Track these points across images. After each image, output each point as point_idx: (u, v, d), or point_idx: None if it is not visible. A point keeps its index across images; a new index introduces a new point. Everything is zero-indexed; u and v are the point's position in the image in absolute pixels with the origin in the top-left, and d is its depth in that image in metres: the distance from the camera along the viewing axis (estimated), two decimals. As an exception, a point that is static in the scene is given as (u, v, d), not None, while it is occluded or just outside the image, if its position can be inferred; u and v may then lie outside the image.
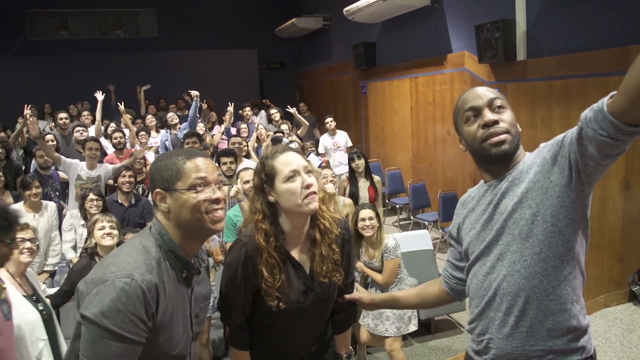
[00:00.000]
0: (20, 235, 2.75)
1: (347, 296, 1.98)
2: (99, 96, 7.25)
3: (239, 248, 1.77)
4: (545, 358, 1.50)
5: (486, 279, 1.57)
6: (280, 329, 1.83)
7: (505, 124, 1.53)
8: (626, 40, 4.35)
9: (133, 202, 4.78)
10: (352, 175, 5.43)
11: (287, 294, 1.76)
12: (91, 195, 4.26)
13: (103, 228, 3.23)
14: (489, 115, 1.53)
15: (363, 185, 5.34)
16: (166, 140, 7.27)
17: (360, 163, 5.34)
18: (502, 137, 1.51)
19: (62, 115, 7.31)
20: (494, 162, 1.55)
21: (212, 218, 1.51)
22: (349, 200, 5.25)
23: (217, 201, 1.52)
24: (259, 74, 12.97)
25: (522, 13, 5.54)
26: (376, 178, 5.52)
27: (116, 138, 6.26)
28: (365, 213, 3.65)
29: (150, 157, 6.61)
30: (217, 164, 4.95)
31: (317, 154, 6.33)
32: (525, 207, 1.47)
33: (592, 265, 4.88)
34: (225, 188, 1.72)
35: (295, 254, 1.81)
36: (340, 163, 7.30)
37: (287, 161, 1.74)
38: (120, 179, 4.74)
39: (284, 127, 7.28)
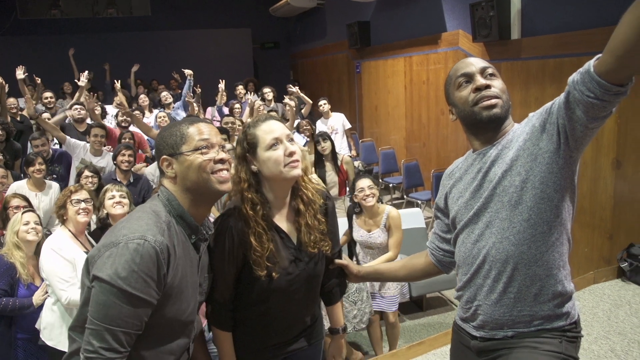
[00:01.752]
0: (75, 196, 3.05)
1: (337, 261, 2.00)
2: (82, 80, 6.78)
3: (225, 220, 1.76)
4: (531, 324, 1.53)
5: (474, 247, 1.59)
6: (270, 306, 1.81)
7: (497, 89, 1.56)
8: (619, 18, 4.34)
9: (132, 180, 4.78)
10: (319, 159, 5.23)
11: (277, 262, 1.76)
12: (86, 172, 4.28)
13: (113, 197, 3.32)
14: (481, 80, 1.56)
15: (330, 169, 5.19)
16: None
17: (326, 146, 5.16)
18: (494, 101, 1.54)
19: (47, 94, 7.25)
20: (485, 126, 1.57)
21: (218, 178, 1.55)
22: (347, 158, 5.35)
23: (222, 161, 1.56)
24: (252, 54, 12.88)
25: (516, -9, 5.52)
26: (346, 159, 5.39)
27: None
28: (364, 182, 3.63)
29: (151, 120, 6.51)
30: None
31: (305, 133, 6.22)
32: (514, 174, 1.50)
33: (582, 243, 4.94)
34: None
35: (281, 224, 1.82)
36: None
37: (269, 129, 1.74)
38: (120, 157, 4.72)
39: (292, 102, 7.09)
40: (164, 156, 1.55)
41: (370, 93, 9.18)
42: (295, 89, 7.61)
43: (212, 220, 1.79)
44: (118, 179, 4.72)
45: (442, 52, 6.98)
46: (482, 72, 1.58)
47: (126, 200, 3.36)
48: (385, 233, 3.66)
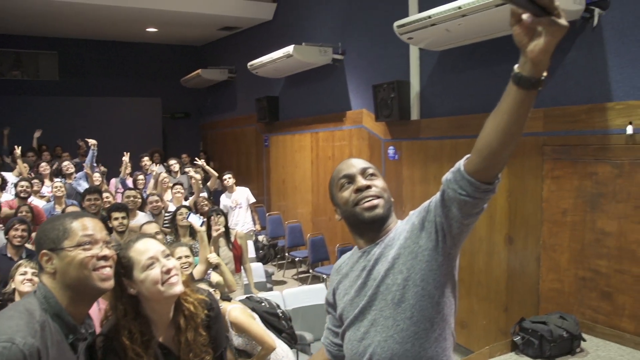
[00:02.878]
0: None
1: None
2: None
3: (106, 342, 1.66)
4: None
5: (360, 345, 1.57)
6: None
7: (378, 189, 1.60)
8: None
9: (24, 256, 4.44)
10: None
11: None
12: None
13: (25, 273, 3.08)
14: (362, 181, 1.60)
15: (223, 244, 5.01)
16: None
17: (220, 221, 4.97)
18: (375, 201, 1.58)
19: None
20: (368, 226, 1.60)
21: (100, 275, 1.49)
22: (241, 232, 5.22)
23: (104, 258, 1.51)
24: (162, 123, 12.73)
25: (416, 75, 5.88)
26: (239, 233, 5.31)
27: (22, 187, 5.92)
28: (179, 252, 3.51)
29: (39, 203, 6.22)
30: (108, 219, 4.74)
31: (202, 210, 6.08)
32: (396, 273, 1.51)
33: (480, 315, 5.09)
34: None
35: (165, 339, 1.75)
36: (238, 222, 7.06)
37: (144, 249, 1.70)
38: (12, 232, 4.40)
39: (197, 175, 6.94)
40: (44, 251, 1.48)
41: (278, 167, 9.26)
42: (201, 162, 7.56)
43: None
44: (9, 255, 4.39)
45: (346, 129, 7.22)
46: (363, 172, 1.63)
47: (37, 279, 3.10)
48: (237, 337, 3.35)
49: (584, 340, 3.81)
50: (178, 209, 5.09)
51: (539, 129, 4.44)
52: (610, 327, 3.98)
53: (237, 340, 3.36)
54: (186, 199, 6.71)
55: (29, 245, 4.57)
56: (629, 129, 3.85)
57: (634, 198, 3.85)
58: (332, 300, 1.77)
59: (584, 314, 4.17)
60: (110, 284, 1.54)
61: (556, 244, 4.42)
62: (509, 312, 4.85)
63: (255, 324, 3.39)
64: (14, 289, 3.12)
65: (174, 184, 6.72)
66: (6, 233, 4.48)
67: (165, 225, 5.67)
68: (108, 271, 1.52)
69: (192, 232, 4.99)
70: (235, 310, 3.34)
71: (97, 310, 2.58)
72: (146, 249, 1.69)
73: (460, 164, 1.35)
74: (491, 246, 4.96)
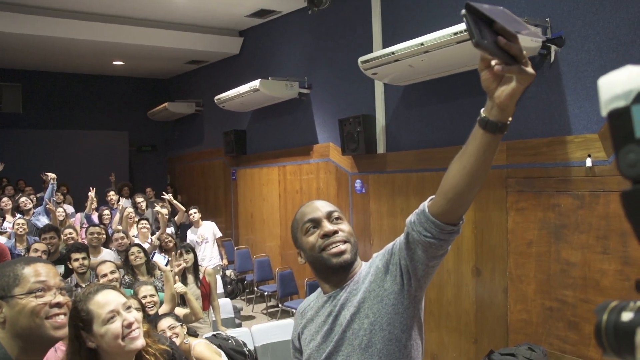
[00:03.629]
0: None
1: None
2: None
3: None
4: None
5: None
6: None
7: (344, 233, 1.58)
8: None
9: None
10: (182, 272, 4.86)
11: None
12: None
13: None
14: (328, 226, 1.57)
15: (192, 281, 4.93)
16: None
17: (188, 258, 4.91)
18: (343, 247, 1.56)
19: None
20: (335, 271, 1.58)
21: (53, 324, 1.43)
22: (210, 270, 5.17)
23: (58, 305, 1.44)
24: (129, 156, 12.57)
25: (381, 110, 5.97)
26: (208, 270, 5.24)
27: None
28: (164, 324, 3.35)
29: (3, 241, 6.02)
30: (68, 260, 4.60)
31: (167, 247, 5.96)
32: (362, 317, 1.50)
33: (450, 347, 5.08)
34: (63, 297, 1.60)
35: None
36: (205, 257, 6.93)
37: (104, 302, 1.63)
38: None
39: (164, 210, 6.85)
40: None
41: (246, 200, 9.21)
42: (168, 196, 7.45)
43: None
44: None
45: (314, 162, 7.24)
46: (329, 216, 1.60)
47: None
48: None
49: (552, 371, 3.84)
50: (128, 249, 4.96)
51: (502, 161, 4.53)
52: (578, 357, 4.02)
53: None
54: (153, 233, 6.59)
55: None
56: (588, 162, 3.96)
57: (595, 229, 3.94)
58: (298, 345, 1.74)
59: (552, 344, 4.21)
60: (64, 332, 1.48)
61: (523, 274, 4.47)
62: (478, 343, 4.86)
63: None
64: None
65: (140, 219, 6.60)
66: None
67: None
68: (62, 319, 1.46)
69: (149, 269, 4.90)
70: (200, 346, 3.36)
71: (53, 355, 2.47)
72: (106, 302, 1.62)
73: (425, 205, 1.36)
74: (459, 278, 4.99)
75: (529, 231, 4.44)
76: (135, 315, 1.66)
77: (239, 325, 5.63)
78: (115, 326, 1.59)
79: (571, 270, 4.12)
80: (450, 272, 5.01)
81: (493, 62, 1.11)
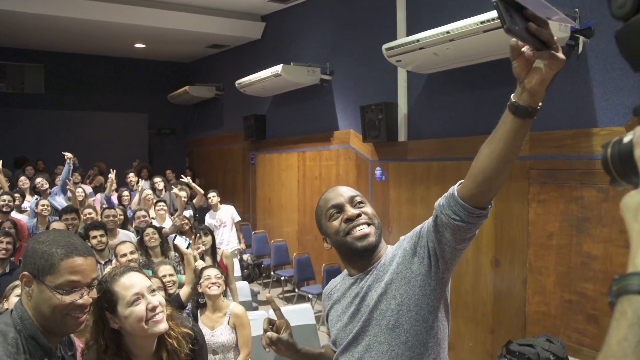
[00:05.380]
0: None
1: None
2: None
3: None
4: None
5: None
6: None
7: (367, 216, 1.61)
8: (493, 129, 4.78)
9: (7, 270, 4.38)
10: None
11: None
12: None
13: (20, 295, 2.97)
14: (351, 210, 1.60)
15: (209, 264, 4.86)
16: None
17: (207, 240, 5.01)
18: (367, 230, 1.58)
19: None
20: (360, 255, 1.60)
21: (72, 321, 1.45)
22: (227, 252, 5.22)
23: (81, 307, 1.45)
24: (148, 139, 12.66)
25: (403, 98, 5.94)
26: (226, 253, 5.29)
27: (4, 201, 5.82)
28: (211, 271, 3.59)
29: (22, 218, 6.13)
30: (86, 238, 4.67)
31: (184, 229, 6.01)
32: (390, 298, 1.52)
33: (467, 337, 5.09)
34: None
35: None
36: (222, 241, 6.96)
37: (129, 284, 1.66)
38: None
39: (183, 193, 6.93)
40: (26, 272, 1.43)
41: (265, 185, 9.25)
42: (187, 179, 7.51)
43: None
44: None
45: (334, 149, 7.25)
46: (351, 201, 1.63)
47: None
48: (230, 331, 3.51)
49: (571, 363, 3.84)
50: (144, 230, 5.03)
51: (525, 152, 4.49)
52: (597, 351, 3.99)
53: (222, 335, 3.49)
54: (171, 215, 6.65)
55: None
56: (614, 155, 3.91)
57: (619, 222, 3.91)
58: (327, 326, 1.77)
59: (570, 337, 4.20)
60: (80, 329, 1.51)
61: (542, 266, 4.46)
62: (495, 334, 4.86)
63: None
64: (7, 309, 3.04)
65: (157, 201, 6.66)
66: None
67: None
68: (81, 319, 1.47)
69: (163, 251, 4.96)
70: (240, 307, 3.64)
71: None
72: (132, 284, 1.65)
73: (454, 189, 1.38)
74: (478, 268, 4.99)
75: (550, 223, 4.41)
76: (159, 299, 1.68)
77: (256, 309, 5.68)
78: (140, 309, 1.62)
79: (592, 263, 4.10)
80: (469, 262, 5.01)
81: (524, 49, 1.13)
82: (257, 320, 4.20)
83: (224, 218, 7.19)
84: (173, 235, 4.73)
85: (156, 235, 4.91)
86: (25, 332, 1.40)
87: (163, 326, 1.65)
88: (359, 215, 1.59)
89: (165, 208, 6.56)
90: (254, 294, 6.33)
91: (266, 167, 9.19)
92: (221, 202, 7.35)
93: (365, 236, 1.57)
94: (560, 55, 1.12)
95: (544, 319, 4.45)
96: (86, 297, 1.46)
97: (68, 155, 7.03)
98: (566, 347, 3.87)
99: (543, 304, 4.46)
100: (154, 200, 6.82)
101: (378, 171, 6.34)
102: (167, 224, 6.16)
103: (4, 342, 1.34)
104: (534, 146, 4.47)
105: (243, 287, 5.81)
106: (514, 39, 1.13)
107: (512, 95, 1.23)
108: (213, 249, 5.10)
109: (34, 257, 1.43)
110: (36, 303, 1.42)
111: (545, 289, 4.44)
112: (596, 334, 4.04)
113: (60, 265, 1.42)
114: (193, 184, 7.58)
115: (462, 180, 1.36)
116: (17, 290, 3.03)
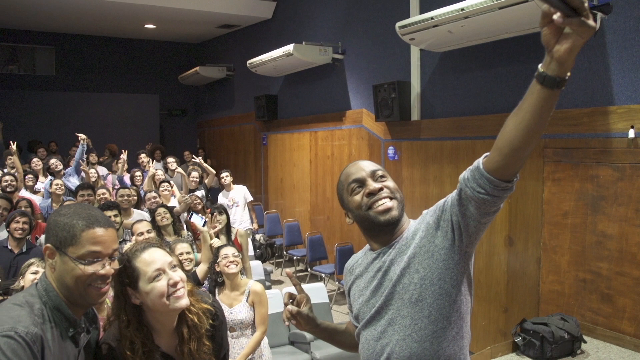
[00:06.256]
0: None
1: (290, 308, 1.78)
2: None
3: (108, 348, 1.65)
4: None
5: (377, 344, 1.58)
6: None
7: (389, 190, 1.60)
8: (508, 108, 4.72)
9: (24, 249, 4.44)
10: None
11: None
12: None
13: (36, 273, 3.02)
14: (373, 184, 1.59)
15: (224, 242, 4.87)
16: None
17: (221, 219, 4.98)
18: (389, 203, 1.58)
19: None
20: (382, 229, 1.60)
21: (95, 292, 1.47)
22: (242, 231, 5.25)
23: (103, 277, 1.47)
24: (159, 120, 12.69)
25: (416, 76, 5.89)
26: (240, 232, 5.31)
27: (6, 181, 5.85)
28: (229, 250, 3.60)
29: (37, 200, 6.19)
30: None
31: (197, 208, 6.04)
32: (413, 272, 1.52)
33: (480, 316, 5.10)
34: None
35: (167, 349, 1.73)
36: (235, 220, 6.94)
37: (150, 260, 1.66)
38: (13, 225, 4.40)
39: (195, 173, 6.95)
40: (49, 245, 1.45)
41: (276, 165, 9.26)
42: (198, 159, 7.53)
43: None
44: (10, 247, 4.40)
45: (346, 129, 7.22)
46: (373, 175, 1.62)
47: None
48: (249, 309, 3.55)
49: (585, 342, 3.84)
50: (155, 209, 5.07)
51: (540, 131, 4.45)
52: (611, 330, 4.01)
53: (241, 312, 3.55)
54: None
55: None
56: (631, 133, 3.87)
57: (635, 201, 3.88)
58: (349, 301, 1.77)
59: (584, 316, 4.20)
60: (103, 298, 1.52)
61: (557, 245, 4.44)
62: (508, 313, 4.87)
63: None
64: (23, 287, 3.07)
65: (161, 182, 6.66)
66: (7, 225, 4.47)
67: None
68: (104, 289, 1.49)
69: (176, 229, 5.00)
70: (258, 285, 3.66)
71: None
72: (153, 260, 1.66)
73: (479, 162, 1.36)
74: (491, 247, 4.98)
75: (565, 202, 4.39)
76: (180, 275, 1.69)
77: (269, 288, 5.73)
78: (161, 284, 1.63)
79: (607, 242, 4.08)
80: (482, 241, 4.98)
81: (554, 16, 1.11)
82: (271, 299, 4.25)
83: (236, 198, 7.22)
84: (189, 213, 4.76)
85: (168, 215, 4.95)
86: (51, 304, 1.43)
87: (184, 302, 1.66)
88: (380, 189, 1.58)
89: (169, 189, 6.54)
90: (267, 273, 6.38)
91: (278, 148, 9.19)
92: (234, 183, 7.38)
93: (387, 210, 1.57)
94: (591, 22, 1.09)
95: (557, 297, 4.45)
96: (108, 268, 1.48)
97: (82, 136, 7.05)
98: (580, 326, 3.87)
99: (557, 283, 4.45)
100: (160, 181, 6.83)
101: (391, 150, 6.31)
102: (172, 205, 6.19)
103: (30, 312, 1.36)
104: (549, 124, 4.39)
105: (256, 267, 5.86)
106: (545, 5, 1.11)
107: (539, 65, 1.21)
108: (228, 228, 5.13)
109: (56, 229, 1.45)
110: (60, 274, 1.44)
111: (559, 268, 4.43)
112: (610, 313, 4.04)
113: (82, 236, 1.44)
114: (204, 164, 7.60)
115: (487, 153, 1.35)
116: (33, 268, 3.08)
